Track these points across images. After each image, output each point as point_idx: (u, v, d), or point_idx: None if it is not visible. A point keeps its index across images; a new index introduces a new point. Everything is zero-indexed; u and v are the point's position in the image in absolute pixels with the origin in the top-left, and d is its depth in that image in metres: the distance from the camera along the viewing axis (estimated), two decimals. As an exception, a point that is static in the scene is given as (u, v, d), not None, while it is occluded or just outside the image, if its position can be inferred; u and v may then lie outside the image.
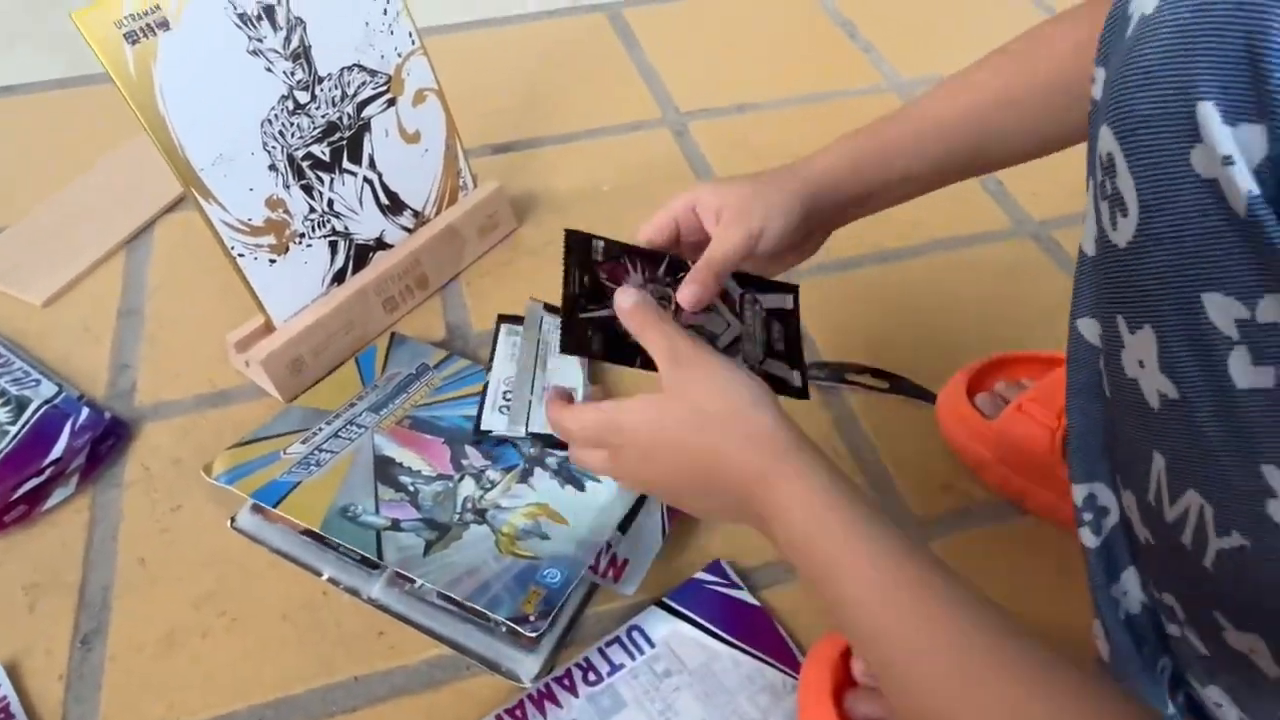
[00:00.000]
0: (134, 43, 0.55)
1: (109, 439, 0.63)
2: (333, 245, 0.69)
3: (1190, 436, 0.31)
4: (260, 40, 0.61)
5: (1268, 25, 0.24)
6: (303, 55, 0.64)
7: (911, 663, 0.34)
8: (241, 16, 0.60)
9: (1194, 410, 0.30)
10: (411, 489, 0.57)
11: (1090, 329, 0.37)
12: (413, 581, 0.52)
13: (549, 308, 0.71)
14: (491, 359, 0.67)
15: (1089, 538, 0.39)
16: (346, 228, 0.69)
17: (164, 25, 0.57)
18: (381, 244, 0.72)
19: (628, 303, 0.46)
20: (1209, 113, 0.26)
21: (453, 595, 0.50)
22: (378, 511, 0.55)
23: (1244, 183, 0.25)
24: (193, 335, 0.72)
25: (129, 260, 0.78)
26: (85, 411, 0.63)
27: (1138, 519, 0.36)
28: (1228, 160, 0.26)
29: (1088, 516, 0.39)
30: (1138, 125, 0.28)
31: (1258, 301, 0.27)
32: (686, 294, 0.46)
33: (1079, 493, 0.39)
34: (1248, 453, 0.29)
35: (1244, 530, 0.30)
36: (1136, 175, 0.29)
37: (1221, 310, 0.28)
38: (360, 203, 0.70)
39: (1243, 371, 0.28)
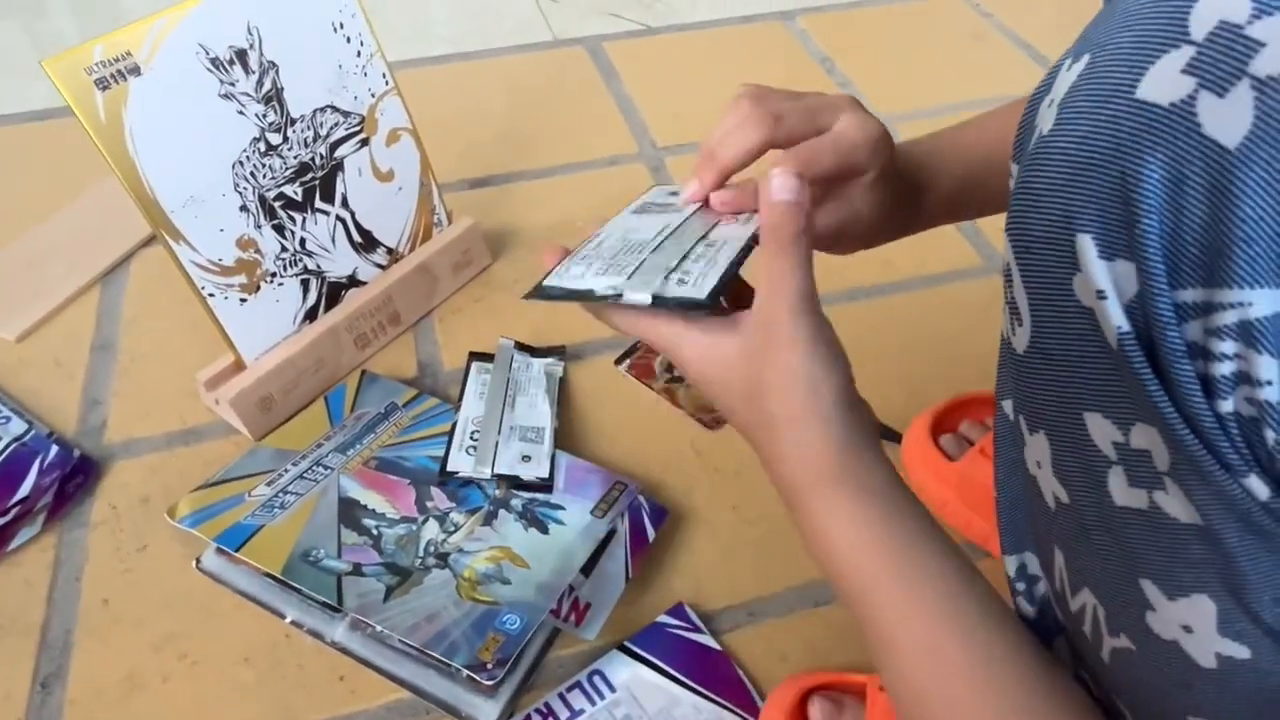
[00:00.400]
0: (105, 89, 0.56)
1: (77, 477, 0.64)
2: (305, 284, 0.69)
3: (1080, 541, 0.31)
4: (232, 84, 0.62)
5: (1140, 169, 0.25)
6: (275, 98, 0.64)
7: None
8: (213, 61, 0.61)
9: (1082, 517, 0.31)
10: (375, 532, 0.57)
11: (1010, 410, 0.37)
12: (374, 626, 0.52)
13: (520, 346, 0.72)
14: (461, 398, 0.67)
15: (1025, 608, 0.39)
16: (319, 266, 0.70)
17: (135, 71, 0.57)
18: (354, 281, 0.73)
19: (789, 194, 0.39)
20: (1087, 245, 0.26)
21: (411, 642, 0.50)
22: (340, 555, 0.55)
23: (1116, 318, 0.26)
24: (165, 371, 0.72)
25: (104, 295, 0.79)
26: (54, 449, 0.63)
27: (1053, 599, 0.37)
28: (1101, 294, 0.26)
29: (1020, 586, 0.39)
30: (1030, 245, 0.29)
31: (1131, 428, 0.27)
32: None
33: (1011, 564, 0.39)
34: (1129, 566, 0.29)
35: (1130, 635, 0.31)
36: (1029, 292, 0.30)
37: (1101, 430, 0.28)
38: (333, 241, 0.70)
39: (1120, 490, 0.29)
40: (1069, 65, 0.28)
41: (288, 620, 0.55)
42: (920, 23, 1.18)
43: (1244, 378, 0.24)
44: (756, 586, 0.59)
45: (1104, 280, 0.26)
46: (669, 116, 1.00)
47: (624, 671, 0.54)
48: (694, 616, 0.57)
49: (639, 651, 0.55)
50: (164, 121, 0.59)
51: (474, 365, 0.70)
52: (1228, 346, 0.24)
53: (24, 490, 0.60)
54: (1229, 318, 0.24)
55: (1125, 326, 0.26)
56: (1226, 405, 0.24)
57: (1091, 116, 0.26)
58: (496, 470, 0.61)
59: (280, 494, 0.59)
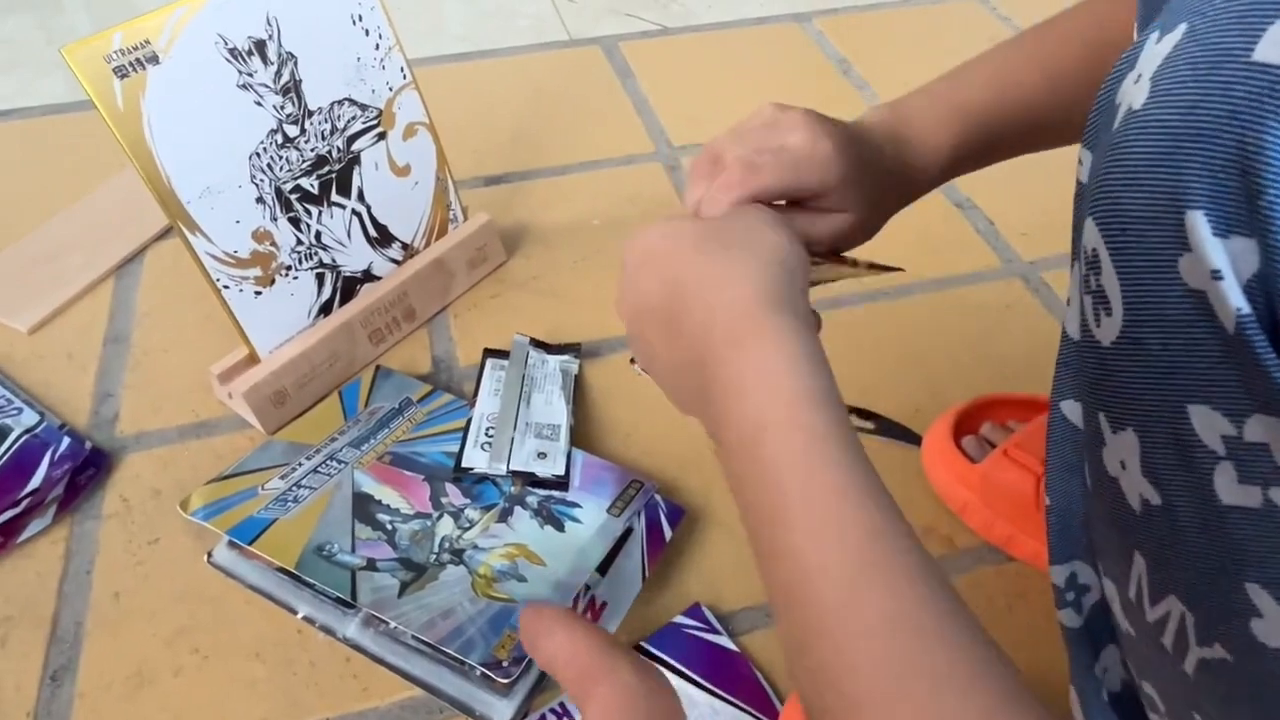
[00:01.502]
0: (123, 77, 0.56)
1: (88, 469, 0.63)
2: (319, 277, 0.69)
3: (1173, 544, 0.29)
4: (250, 75, 0.62)
5: (1262, 136, 0.23)
6: (293, 89, 0.64)
7: (846, 644, 0.29)
8: (232, 51, 0.60)
9: (1177, 519, 0.29)
10: (389, 528, 0.56)
11: (1074, 412, 0.35)
12: (387, 622, 0.52)
13: (535, 343, 0.71)
14: (476, 394, 0.67)
15: (1072, 618, 0.37)
16: (334, 260, 0.69)
17: (154, 60, 0.57)
18: (369, 276, 0.72)
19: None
20: (1198, 222, 0.24)
21: (426, 639, 0.49)
22: (354, 550, 0.54)
23: (1234, 299, 0.24)
24: (178, 364, 0.72)
25: (118, 287, 0.78)
26: (66, 441, 0.63)
27: (1118, 608, 0.35)
28: (1216, 274, 0.24)
29: (1070, 596, 0.37)
30: (1125, 226, 0.27)
31: (1245, 420, 0.25)
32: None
33: (1059, 574, 0.37)
34: (1232, 569, 0.28)
35: (1226, 644, 0.29)
36: (1122, 277, 0.28)
37: (1207, 424, 0.27)
38: (349, 235, 0.70)
39: (1228, 488, 0.27)
40: (1157, 38, 0.27)
41: (299, 616, 0.54)
42: (937, 24, 1.17)
43: None
44: (775, 588, 0.58)
45: (1220, 259, 0.24)
46: (684, 116, 0.99)
47: (640, 672, 0.53)
48: (711, 617, 0.56)
49: (655, 652, 0.54)
50: (182, 111, 0.58)
51: (489, 361, 0.69)
52: None
53: (35, 482, 0.60)
54: None
55: (1245, 308, 0.24)
56: None
57: (1198, 85, 0.24)
58: (512, 467, 0.60)
59: (294, 488, 0.58)
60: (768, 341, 0.33)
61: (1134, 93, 0.27)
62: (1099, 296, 0.29)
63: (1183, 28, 0.26)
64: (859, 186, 0.44)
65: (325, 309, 0.70)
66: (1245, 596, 0.27)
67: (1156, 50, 0.26)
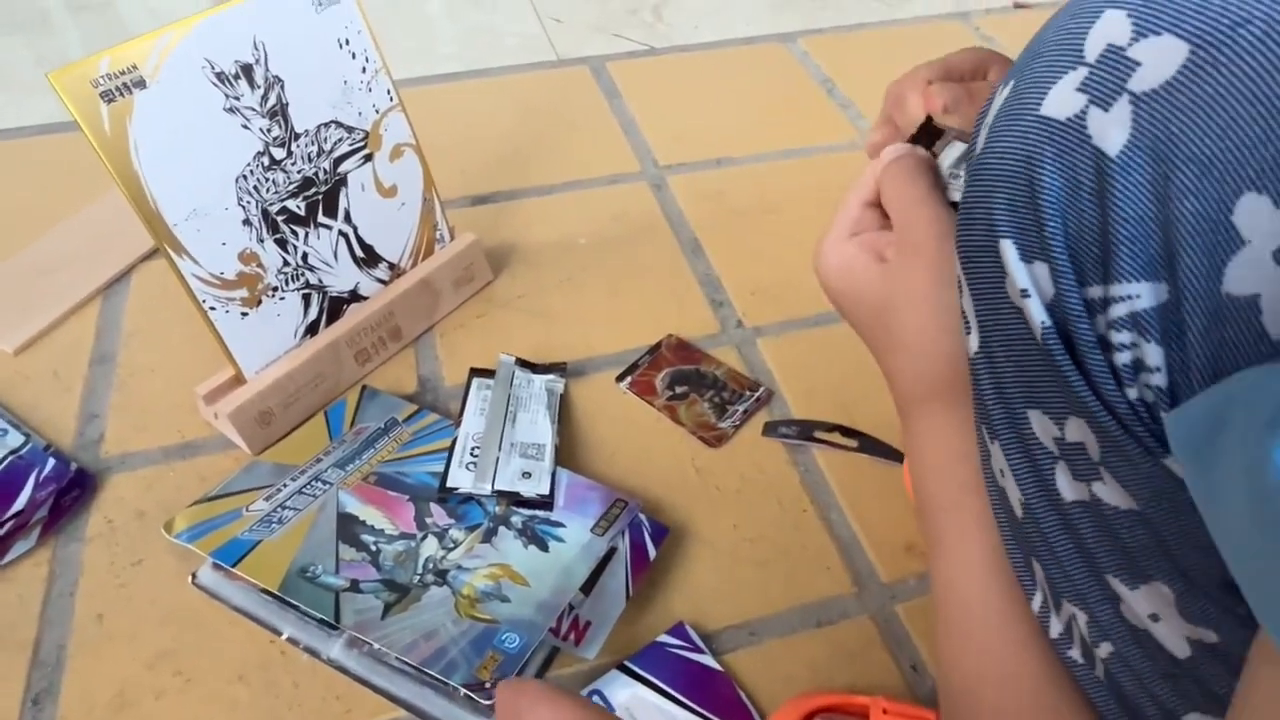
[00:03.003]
0: (110, 101, 0.56)
1: (73, 491, 0.63)
2: (306, 298, 0.69)
3: (1047, 548, 0.32)
4: (237, 98, 0.62)
5: (1043, 178, 0.27)
6: (280, 112, 0.64)
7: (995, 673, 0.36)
8: (219, 75, 0.61)
9: (1041, 522, 0.32)
10: (373, 548, 0.56)
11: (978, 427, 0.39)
12: (371, 643, 0.52)
13: (521, 362, 0.72)
14: (461, 414, 0.67)
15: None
16: (320, 280, 0.70)
17: (141, 84, 0.57)
18: (356, 296, 0.73)
19: (889, 155, 0.45)
20: (1008, 249, 0.29)
21: (409, 660, 0.50)
22: (338, 572, 0.54)
23: (1039, 314, 0.28)
24: (164, 384, 0.72)
25: (104, 307, 0.79)
26: (51, 462, 0.63)
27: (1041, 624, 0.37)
28: (1025, 294, 0.28)
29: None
30: (969, 254, 0.31)
31: (1065, 421, 0.29)
32: (942, 92, 0.48)
33: (1036, 603, 0.39)
34: (1092, 563, 0.30)
35: (1112, 640, 0.31)
36: (974, 297, 0.32)
37: (1042, 427, 0.30)
38: (335, 256, 0.70)
39: (1066, 485, 0.30)
40: (1002, 90, 0.31)
41: (283, 637, 0.54)
42: (921, 45, 1.18)
43: (1140, 365, 0.26)
44: (758, 606, 0.59)
45: (1026, 280, 0.28)
46: (671, 136, 1.00)
47: (624, 691, 0.53)
48: (695, 636, 0.56)
49: (639, 671, 0.54)
50: (169, 135, 0.59)
51: (475, 381, 0.70)
52: (1125, 337, 0.26)
53: (19, 504, 0.60)
54: (1122, 310, 0.26)
55: (1048, 322, 0.28)
56: (1133, 392, 0.26)
57: (1007, 134, 0.29)
58: (497, 487, 0.61)
59: (278, 509, 0.58)
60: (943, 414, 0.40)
61: (980, 138, 0.31)
62: (964, 317, 0.33)
63: (1011, 84, 0.30)
64: None
65: (312, 329, 0.70)
66: (1109, 587, 0.30)
67: (997, 101, 0.31)
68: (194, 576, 0.58)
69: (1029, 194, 0.28)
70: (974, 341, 0.33)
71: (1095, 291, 0.26)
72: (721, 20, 1.24)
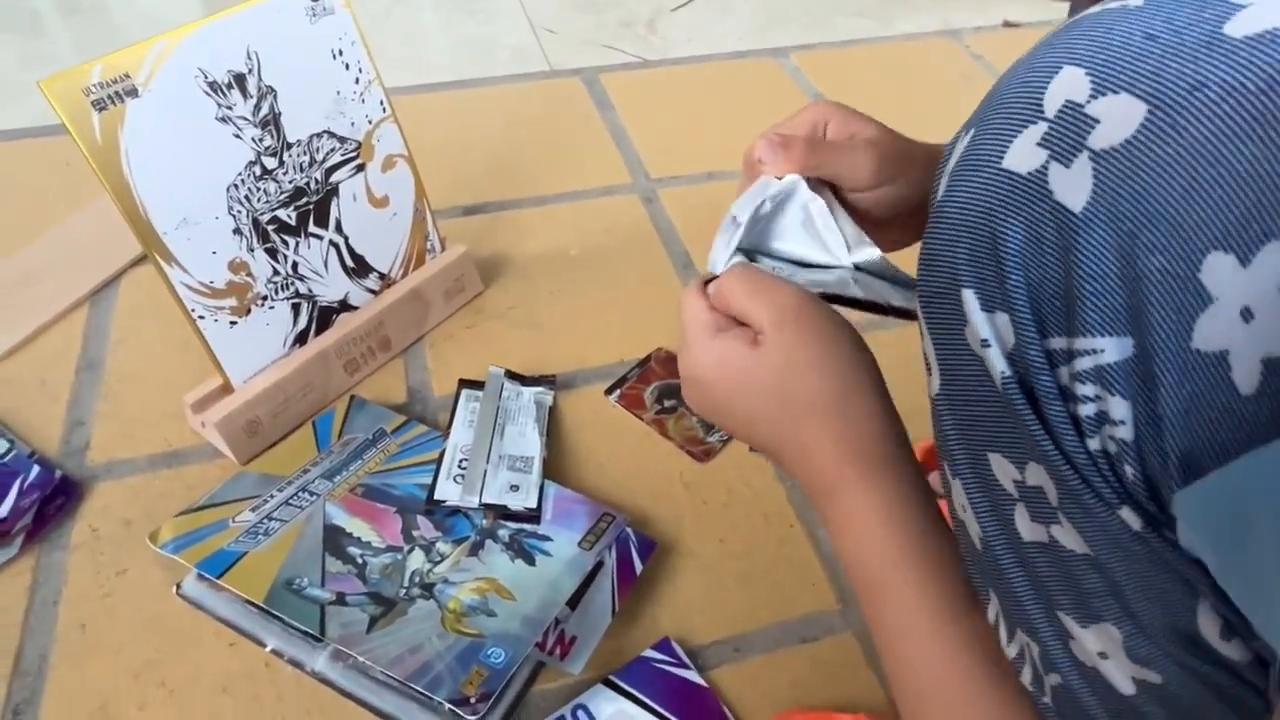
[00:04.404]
0: (101, 110, 0.56)
1: (58, 499, 0.63)
2: (295, 307, 0.69)
3: (1003, 580, 0.33)
4: (230, 108, 0.62)
5: (1005, 231, 0.27)
6: (272, 122, 0.65)
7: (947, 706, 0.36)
8: (212, 85, 0.61)
9: (999, 557, 0.32)
10: (360, 561, 0.56)
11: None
12: (356, 656, 0.52)
13: (510, 374, 0.72)
14: (450, 425, 0.67)
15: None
16: (310, 290, 0.70)
17: (133, 93, 0.57)
18: (346, 306, 0.73)
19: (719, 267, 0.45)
20: (970, 299, 0.29)
21: (393, 675, 0.49)
22: (323, 584, 0.54)
23: (999, 364, 0.28)
24: (151, 392, 0.72)
25: (92, 314, 0.78)
26: (35, 470, 0.62)
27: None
28: (985, 343, 0.28)
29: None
30: (930, 299, 0.31)
31: (1025, 466, 0.29)
32: (761, 144, 0.46)
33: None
34: (1045, 599, 0.31)
35: (1061, 672, 0.32)
36: (934, 341, 0.32)
37: (1003, 470, 0.30)
38: (325, 266, 0.70)
39: (1025, 526, 0.30)
40: (963, 137, 0.31)
41: (268, 649, 0.54)
42: (912, 62, 1.20)
43: (1104, 417, 0.26)
44: (743, 621, 0.59)
45: (987, 330, 0.28)
46: (662, 149, 1.01)
47: (609, 707, 0.53)
48: (680, 651, 0.57)
49: (624, 686, 0.54)
50: (160, 143, 0.59)
51: (464, 392, 0.70)
52: (1089, 389, 0.26)
53: (2, 511, 0.59)
54: (1086, 363, 0.26)
55: (1008, 372, 0.28)
56: (1094, 443, 0.27)
57: (969, 184, 0.29)
58: (484, 500, 0.61)
59: (264, 520, 0.58)
60: (868, 492, 0.39)
61: (941, 185, 0.31)
62: (925, 359, 0.33)
63: (972, 133, 0.30)
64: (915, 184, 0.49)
65: (301, 339, 0.70)
66: (1060, 623, 0.31)
67: (958, 148, 0.31)
68: (178, 587, 0.57)
69: (990, 246, 0.28)
70: (935, 383, 0.33)
71: (1058, 343, 0.27)
72: (714, 34, 1.24)
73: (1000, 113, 0.29)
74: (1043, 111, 0.27)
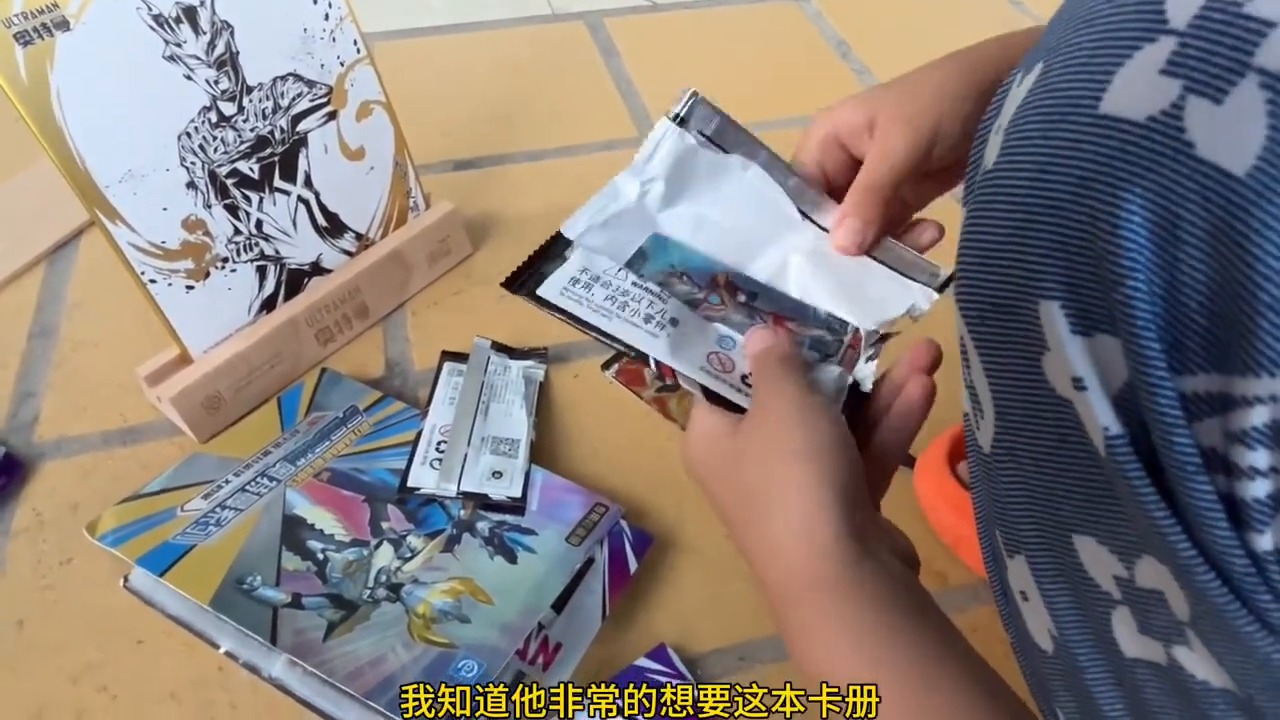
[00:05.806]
0: (26, 44, 0.49)
1: (0, 479, 0.57)
2: (261, 270, 0.63)
3: (1082, 694, 0.24)
4: (179, 45, 0.55)
5: (1114, 210, 0.17)
6: (229, 63, 0.58)
7: None
8: (157, 18, 0.54)
9: (1077, 662, 0.23)
10: (320, 557, 0.51)
11: (985, 520, 0.30)
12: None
13: (498, 346, 0.65)
14: (429, 402, 0.61)
15: None
16: (277, 251, 0.63)
17: (63, 25, 0.50)
18: (318, 269, 0.66)
19: (758, 346, 0.38)
20: (1054, 316, 0.19)
21: (351, 691, 0.44)
22: (278, 584, 0.49)
23: (1101, 414, 0.19)
24: (108, 362, 0.66)
25: (47, 276, 0.72)
26: (-25, 447, 0.57)
27: None
28: (1079, 383, 0.19)
29: None
30: (983, 313, 0.22)
31: (1135, 560, 0.20)
32: (844, 231, 0.39)
33: None
34: None
35: None
36: (989, 374, 0.22)
37: (1097, 560, 0.21)
38: (294, 224, 0.64)
39: (1129, 638, 0.21)
40: (1020, 79, 0.21)
41: (222, 651, 0.49)
42: (945, 8, 1.11)
43: None
44: (749, 628, 0.53)
45: (1081, 364, 0.19)
46: (670, 100, 0.92)
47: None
48: (677, 660, 0.51)
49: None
50: (98, 84, 0.52)
51: (446, 366, 0.64)
52: (1260, 458, 0.17)
53: (-63, 493, 0.54)
54: (1257, 417, 0.17)
55: (1114, 428, 0.19)
56: (1264, 541, 0.17)
57: (1045, 142, 0.19)
58: (463, 487, 0.55)
59: (217, 509, 0.52)
60: (828, 606, 0.32)
61: (992, 146, 0.21)
62: (972, 394, 0.24)
63: (1039, 68, 0.20)
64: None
65: (268, 304, 0.64)
66: None
67: (1016, 95, 0.21)
68: (126, 580, 0.52)
69: (1088, 234, 0.18)
70: (988, 430, 0.23)
71: (1204, 383, 0.17)
72: (730, -25, 1.15)
73: (1090, 32, 0.19)
74: (1165, 21, 0.17)
